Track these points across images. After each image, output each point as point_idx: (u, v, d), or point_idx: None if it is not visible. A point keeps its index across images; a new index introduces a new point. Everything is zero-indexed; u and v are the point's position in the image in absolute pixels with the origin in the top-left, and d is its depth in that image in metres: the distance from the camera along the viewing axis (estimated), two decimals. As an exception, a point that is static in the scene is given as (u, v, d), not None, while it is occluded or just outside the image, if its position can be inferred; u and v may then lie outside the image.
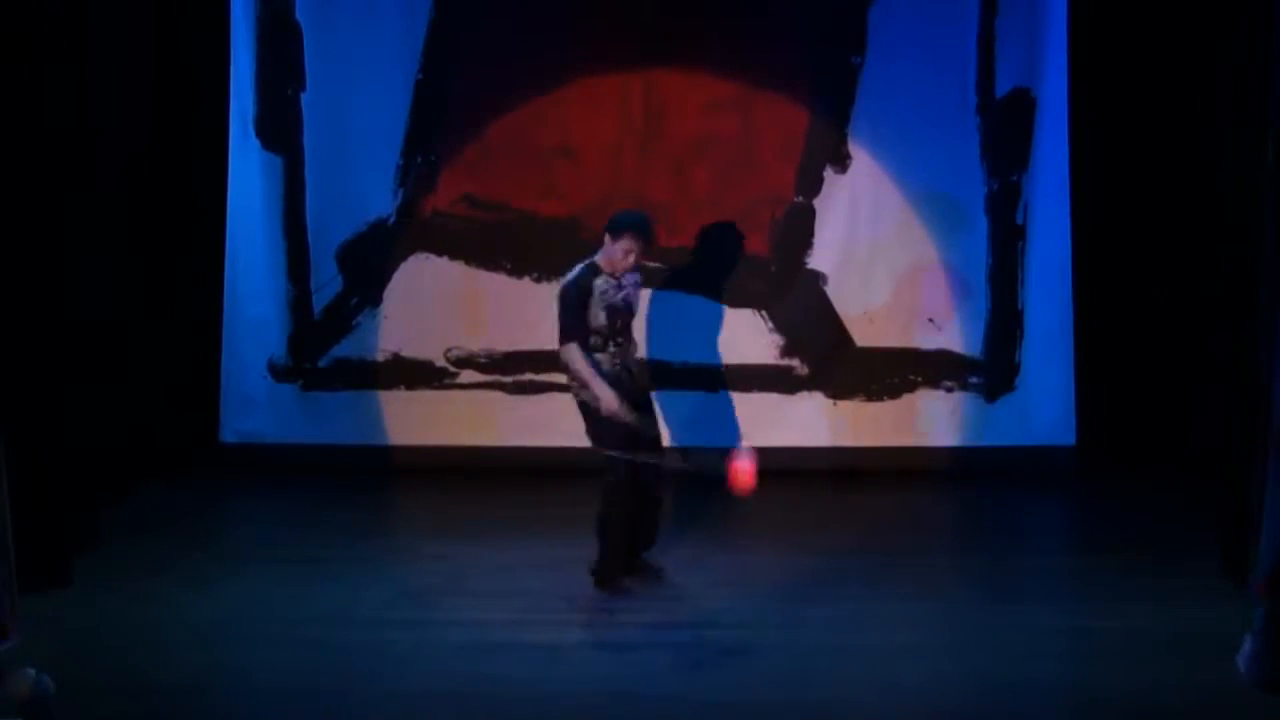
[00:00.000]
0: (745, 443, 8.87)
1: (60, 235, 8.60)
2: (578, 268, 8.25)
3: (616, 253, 8.16)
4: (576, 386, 8.21)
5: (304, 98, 10.71)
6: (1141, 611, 8.03)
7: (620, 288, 8.23)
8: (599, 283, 8.18)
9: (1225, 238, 8.82)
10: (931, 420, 10.73)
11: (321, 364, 10.90)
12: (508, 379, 10.86)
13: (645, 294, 10.58)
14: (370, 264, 10.84)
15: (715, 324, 10.73)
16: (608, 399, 8.02)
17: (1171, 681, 7.17)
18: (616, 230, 8.17)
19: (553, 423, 10.60)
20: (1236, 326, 8.28)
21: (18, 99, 8.21)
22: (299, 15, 10.64)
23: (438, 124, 10.73)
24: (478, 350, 10.87)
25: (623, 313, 8.27)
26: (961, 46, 10.52)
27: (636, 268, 8.35)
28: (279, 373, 10.90)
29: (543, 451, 10.63)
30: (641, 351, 8.67)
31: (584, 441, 8.36)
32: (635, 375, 8.39)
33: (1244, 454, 7.85)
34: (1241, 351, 8.02)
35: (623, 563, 8.41)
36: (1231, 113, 8.51)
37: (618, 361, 8.27)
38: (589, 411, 8.19)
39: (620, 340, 8.27)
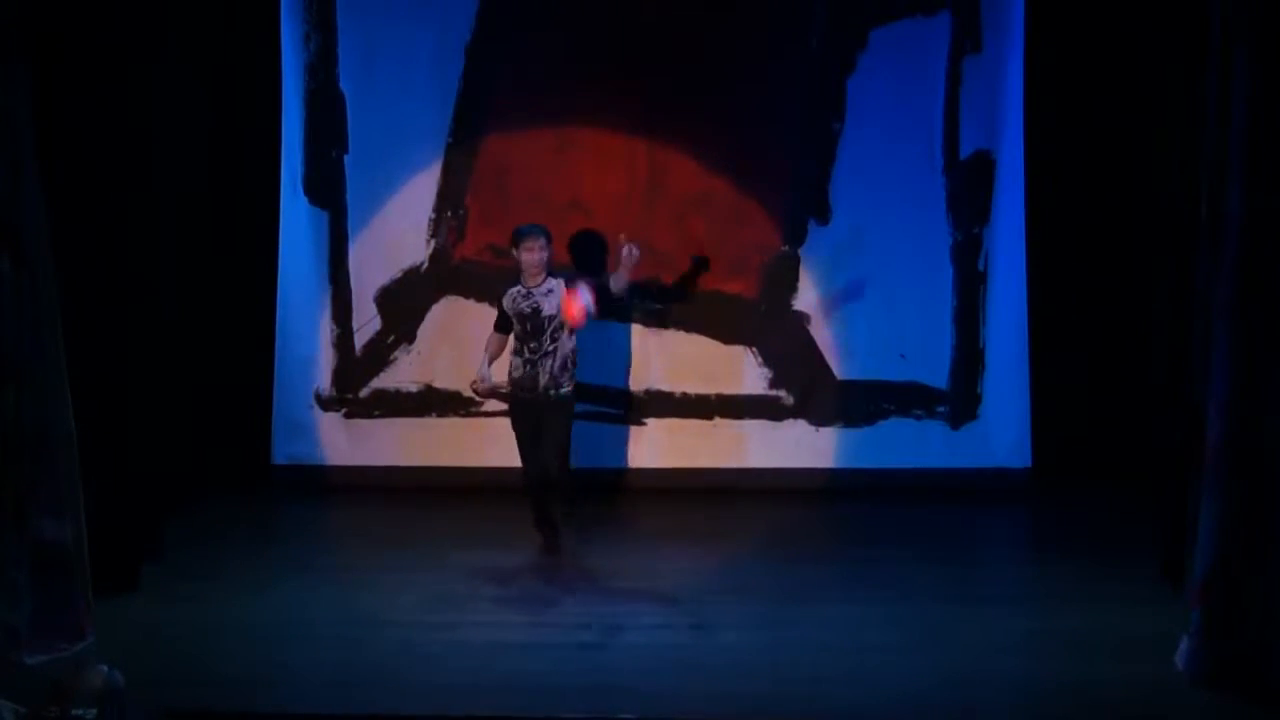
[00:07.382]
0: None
1: (133, 284, 8.61)
2: None
3: (521, 261, 8.61)
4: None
5: (347, 159, 10.71)
6: (1089, 613, 8.02)
7: (528, 296, 8.51)
8: (512, 291, 8.64)
9: (1163, 282, 8.82)
10: (902, 444, 10.70)
11: (362, 394, 10.87)
12: (526, 407, 10.83)
13: (648, 333, 10.67)
14: (405, 306, 10.82)
15: (711, 358, 10.72)
16: (481, 375, 8.81)
17: (1116, 676, 7.18)
18: (511, 244, 8.70)
19: (565, 446, 10.69)
20: (1174, 360, 8.23)
21: (106, 173, 8.27)
22: (342, 85, 10.65)
23: (465, 182, 10.73)
24: (500, 382, 10.84)
25: (530, 319, 8.51)
26: (929, 114, 10.51)
27: (553, 276, 8.59)
28: (324, 402, 10.88)
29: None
30: (565, 358, 8.79)
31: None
32: (540, 379, 8.72)
33: (1180, 472, 7.73)
34: (1178, 382, 7.97)
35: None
36: (1171, 172, 8.50)
37: (528, 365, 8.70)
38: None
39: (534, 345, 8.55)
